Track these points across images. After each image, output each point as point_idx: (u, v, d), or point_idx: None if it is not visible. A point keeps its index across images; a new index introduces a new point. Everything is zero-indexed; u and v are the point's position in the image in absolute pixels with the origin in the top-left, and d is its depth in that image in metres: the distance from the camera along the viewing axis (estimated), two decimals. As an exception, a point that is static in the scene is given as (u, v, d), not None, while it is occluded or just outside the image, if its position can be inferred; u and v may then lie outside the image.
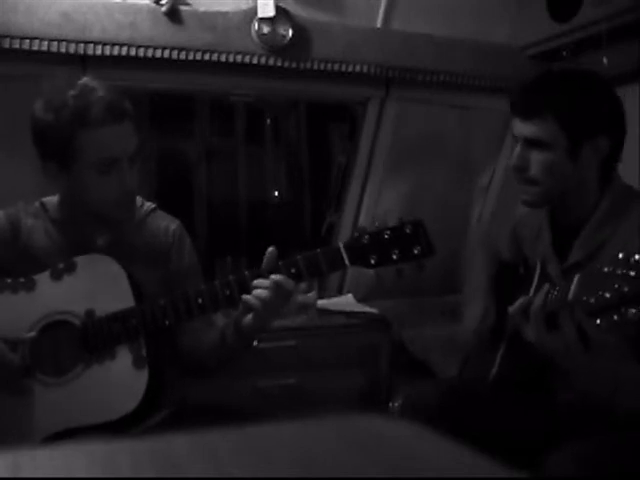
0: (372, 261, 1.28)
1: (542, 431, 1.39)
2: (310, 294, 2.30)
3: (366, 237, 1.29)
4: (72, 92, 1.32)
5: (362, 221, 2.53)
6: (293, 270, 1.29)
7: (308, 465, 0.37)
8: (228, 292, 1.32)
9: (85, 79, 1.37)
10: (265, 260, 1.32)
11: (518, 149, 1.41)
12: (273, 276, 1.29)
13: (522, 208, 1.54)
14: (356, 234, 1.30)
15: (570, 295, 1.14)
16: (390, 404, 1.60)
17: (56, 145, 1.35)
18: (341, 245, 1.30)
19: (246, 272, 1.32)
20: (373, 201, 2.52)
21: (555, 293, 1.21)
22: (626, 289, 1.04)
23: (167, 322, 1.33)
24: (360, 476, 0.36)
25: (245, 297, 1.30)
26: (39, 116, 1.35)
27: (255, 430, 0.43)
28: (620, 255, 1.06)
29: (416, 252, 1.27)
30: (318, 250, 1.32)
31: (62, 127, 1.32)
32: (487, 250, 1.78)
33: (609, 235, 1.35)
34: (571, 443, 1.24)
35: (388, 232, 1.28)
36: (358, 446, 0.40)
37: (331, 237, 2.64)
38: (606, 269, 1.08)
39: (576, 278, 1.15)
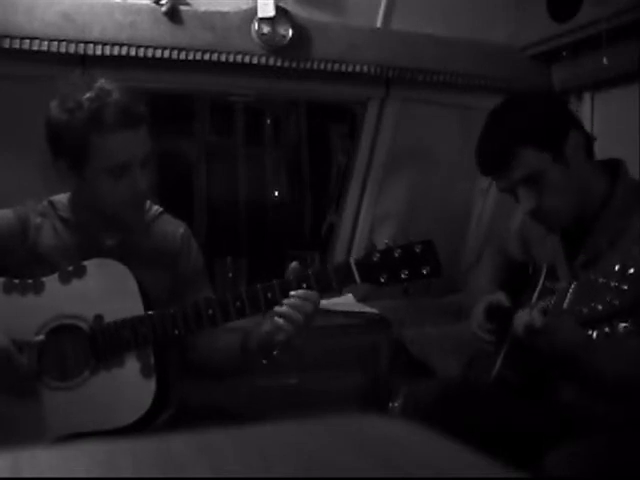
0: (382, 279, 1.29)
1: (542, 431, 1.39)
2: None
3: (377, 255, 1.29)
4: (88, 94, 1.31)
5: (362, 220, 2.53)
6: (304, 285, 1.30)
7: (308, 465, 0.37)
8: (239, 304, 1.31)
9: (102, 81, 1.34)
10: (287, 273, 1.32)
11: (517, 199, 1.40)
12: (300, 291, 1.29)
13: None
14: (367, 251, 1.31)
15: (565, 304, 1.13)
16: (390, 404, 1.60)
17: (68, 146, 1.34)
18: (352, 262, 1.30)
19: (258, 285, 1.31)
20: (373, 201, 2.51)
21: (553, 302, 1.20)
22: (617, 302, 1.02)
23: (177, 332, 1.32)
24: (360, 476, 0.36)
25: (274, 318, 1.29)
26: (54, 115, 1.34)
27: (255, 430, 0.43)
28: (616, 267, 1.04)
29: (425, 272, 1.27)
30: (328, 265, 1.33)
31: (75, 129, 1.31)
32: (496, 246, 1.77)
33: (620, 233, 1.32)
34: (571, 443, 1.24)
35: (398, 251, 1.29)
36: (358, 446, 0.40)
37: (331, 237, 2.64)
38: (601, 280, 1.06)
39: (572, 287, 1.14)
